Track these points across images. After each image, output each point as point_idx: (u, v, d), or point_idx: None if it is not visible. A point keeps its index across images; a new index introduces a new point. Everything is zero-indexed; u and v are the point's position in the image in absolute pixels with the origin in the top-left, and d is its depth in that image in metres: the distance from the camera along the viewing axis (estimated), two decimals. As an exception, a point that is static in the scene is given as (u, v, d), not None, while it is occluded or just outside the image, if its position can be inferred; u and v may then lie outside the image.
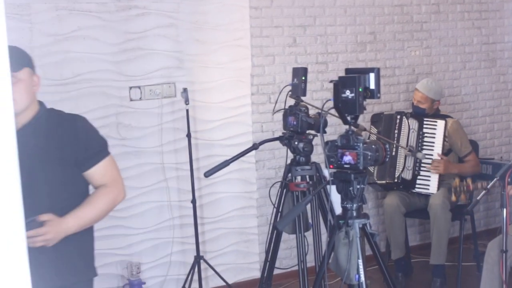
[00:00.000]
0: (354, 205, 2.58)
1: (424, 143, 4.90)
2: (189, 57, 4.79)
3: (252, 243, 5.17)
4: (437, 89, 5.02)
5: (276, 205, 3.65)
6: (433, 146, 4.88)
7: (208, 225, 4.97)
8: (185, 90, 4.51)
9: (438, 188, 4.84)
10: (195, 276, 4.62)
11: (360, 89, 2.47)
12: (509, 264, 3.86)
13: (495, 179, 3.64)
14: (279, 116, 5.08)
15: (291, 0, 5.10)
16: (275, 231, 3.64)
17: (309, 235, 3.69)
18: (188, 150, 4.55)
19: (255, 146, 3.62)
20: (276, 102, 3.87)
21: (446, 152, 4.92)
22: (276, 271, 4.20)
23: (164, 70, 4.73)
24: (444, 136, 4.87)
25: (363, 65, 5.41)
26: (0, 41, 1.14)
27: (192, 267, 4.60)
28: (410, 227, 5.52)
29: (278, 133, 5.10)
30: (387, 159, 2.59)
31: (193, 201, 4.57)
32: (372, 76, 2.51)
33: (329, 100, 2.56)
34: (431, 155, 4.85)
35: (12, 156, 1.18)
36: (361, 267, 2.52)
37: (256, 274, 5.18)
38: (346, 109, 2.50)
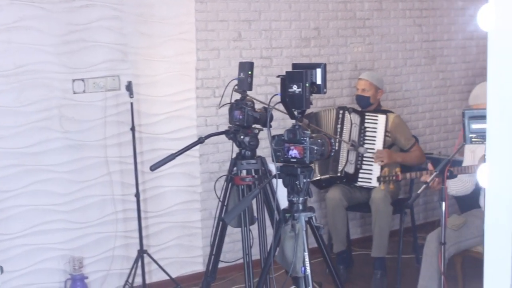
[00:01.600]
0: (300, 199, 2.62)
1: (366, 138, 4.99)
2: (134, 50, 4.75)
3: (195, 237, 5.17)
4: (380, 78, 5.17)
5: (221, 199, 3.65)
6: (374, 140, 4.98)
7: (152, 219, 4.95)
8: (129, 83, 4.48)
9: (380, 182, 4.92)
10: (139, 271, 4.60)
11: (307, 84, 2.50)
12: (447, 256, 3.97)
13: (435, 173, 3.73)
14: (224, 110, 5.09)
15: (236, -6, 5.12)
16: (221, 225, 3.65)
17: (254, 228, 3.72)
18: (132, 144, 4.52)
19: (201, 140, 3.63)
20: (222, 96, 3.88)
21: (388, 146, 5.02)
22: (220, 265, 4.24)
23: (108, 62, 4.68)
24: (386, 130, 4.97)
25: (307, 61, 5.46)
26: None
27: (136, 261, 4.58)
28: (351, 220, 5.61)
29: (223, 127, 5.11)
30: (333, 153, 2.63)
31: (137, 195, 4.54)
32: (318, 71, 2.55)
33: (276, 94, 2.59)
34: (373, 149, 4.95)
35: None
36: (307, 259, 2.56)
37: (200, 268, 5.19)
38: (293, 103, 2.53)
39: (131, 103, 4.49)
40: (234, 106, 3.57)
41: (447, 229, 3.78)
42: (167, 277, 4.77)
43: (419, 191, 3.74)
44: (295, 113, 2.57)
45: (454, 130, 6.35)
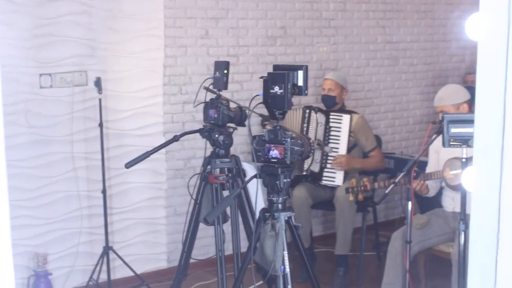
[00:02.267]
0: (280, 199, 2.66)
1: (331, 137, 5.06)
2: (102, 46, 4.72)
3: (160, 234, 5.18)
4: (345, 77, 5.26)
5: (194, 197, 3.67)
6: (339, 140, 5.05)
7: (117, 215, 4.93)
8: (98, 79, 4.46)
9: (344, 181, 5.01)
10: (103, 267, 4.58)
11: (289, 86, 2.53)
12: (411, 254, 4.06)
13: (402, 173, 3.81)
14: (190, 107, 5.13)
15: (204, -9, 5.13)
16: (192, 222, 3.66)
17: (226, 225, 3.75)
18: (99, 140, 4.50)
19: (175, 138, 3.63)
20: (196, 95, 3.89)
21: (351, 146, 5.10)
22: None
23: (76, 58, 4.64)
24: (350, 131, 5.04)
25: (273, 59, 5.50)
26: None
27: (101, 258, 4.56)
28: (313, 218, 5.68)
29: (189, 124, 5.14)
30: (311, 154, 2.68)
31: (104, 191, 4.52)
32: (300, 73, 2.59)
33: (257, 95, 2.62)
34: (337, 148, 5.02)
35: None
36: (286, 258, 2.60)
37: (164, 264, 5.21)
38: (275, 104, 2.56)
39: (100, 99, 4.47)
40: (209, 105, 3.58)
41: (410, 228, 3.87)
42: (131, 274, 4.76)
43: (387, 191, 3.82)
44: (276, 113, 2.60)
45: (415, 131, 6.48)
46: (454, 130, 2.57)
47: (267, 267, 2.61)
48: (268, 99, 2.55)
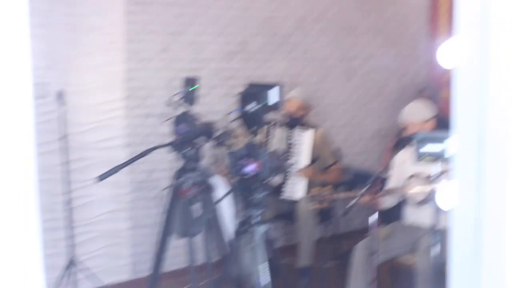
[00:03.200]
0: (258, 212, 2.70)
1: (293, 151, 5.12)
2: (63, 58, 4.71)
3: (123, 246, 5.16)
4: (309, 95, 5.32)
5: (165, 211, 3.67)
6: (300, 154, 5.10)
7: (79, 228, 4.90)
8: (60, 92, 4.43)
9: (307, 193, 5.06)
10: (68, 279, 4.55)
11: (264, 103, 2.59)
12: (375, 264, 4.14)
13: (366, 187, 3.90)
14: (151, 120, 5.15)
15: (164, 7, 5.16)
16: (160, 237, 3.67)
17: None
18: (59, 153, 4.48)
19: (146, 152, 3.63)
20: (165, 109, 3.90)
21: (313, 160, 5.16)
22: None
23: (36, 70, 4.56)
24: (312, 145, 5.10)
25: (232, 73, 5.57)
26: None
27: (66, 270, 4.53)
28: (274, 230, 5.72)
29: (151, 137, 5.15)
30: (287, 166, 2.73)
31: (69, 203, 4.50)
32: (276, 90, 2.64)
33: (231, 113, 2.66)
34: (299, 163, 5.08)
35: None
36: (265, 271, 2.63)
37: (127, 276, 5.19)
38: (249, 121, 2.61)
39: (62, 112, 4.44)
40: (179, 119, 3.60)
41: (375, 240, 3.96)
42: (94, 286, 4.74)
43: (351, 204, 3.89)
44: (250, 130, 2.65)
45: (372, 144, 6.60)
46: (425, 149, 2.66)
47: (246, 280, 2.65)
48: (245, 115, 2.59)
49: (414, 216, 4.39)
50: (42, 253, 1.39)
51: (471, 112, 1.61)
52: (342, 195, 4.60)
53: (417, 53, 6.86)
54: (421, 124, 4.28)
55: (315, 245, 5.06)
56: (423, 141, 2.64)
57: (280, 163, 2.67)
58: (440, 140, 2.62)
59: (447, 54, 1.86)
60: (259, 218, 2.71)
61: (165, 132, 5.13)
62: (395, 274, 4.76)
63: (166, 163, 5.23)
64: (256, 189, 2.63)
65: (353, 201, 3.90)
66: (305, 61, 6.06)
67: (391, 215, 5.18)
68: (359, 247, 4.28)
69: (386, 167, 4.12)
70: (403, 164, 4.47)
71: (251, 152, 2.61)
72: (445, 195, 2.09)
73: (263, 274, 2.61)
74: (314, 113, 6.04)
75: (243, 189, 2.66)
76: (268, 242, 2.77)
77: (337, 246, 5.60)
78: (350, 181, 5.56)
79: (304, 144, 5.09)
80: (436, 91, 6.22)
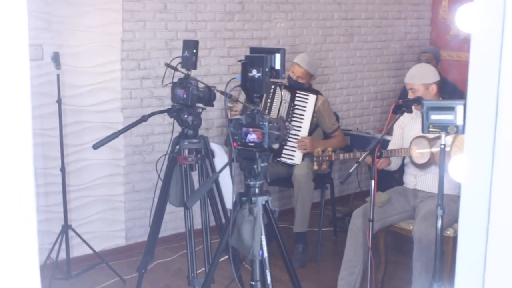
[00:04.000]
0: (258, 183, 2.65)
1: (294, 115, 5.05)
2: (58, 19, 4.59)
3: (118, 211, 5.12)
4: (317, 65, 5.25)
5: (162, 178, 3.62)
6: (302, 118, 5.04)
7: (74, 193, 4.85)
8: (56, 54, 4.33)
9: (303, 159, 5.02)
10: (62, 245, 4.51)
11: (267, 69, 2.51)
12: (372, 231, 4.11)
13: (366, 153, 3.84)
14: (148, 83, 5.06)
15: (162, -35, 5.03)
16: (158, 204, 3.62)
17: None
18: (54, 116, 4.40)
19: (144, 118, 3.57)
20: (164, 75, 3.82)
21: (313, 127, 5.10)
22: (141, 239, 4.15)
23: (31, 31, 4.45)
24: (314, 111, 5.04)
25: (230, 35, 5.46)
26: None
27: (60, 236, 4.49)
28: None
29: (147, 100, 5.07)
30: (287, 137, 2.67)
31: (62, 169, 4.43)
32: (277, 56, 2.57)
33: (235, 78, 2.59)
34: (300, 127, 5.02)
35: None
36: (264, 243, 2.60)
37: (122, 241, 5.17)
38: (252, 88, 2.54)
39: (58, 75, 4.35)
40: (177, 85, 3.52)
41: (373, 206, 3.91)
42: (90, 251, 4.71)
43: (350, 170, 3.85)
44: (254, 97, 2.58)
45: (369, 107, 6.54)
46: (434, 117, 2.60)
47: (245, 252, 2.61)
48: (247, 83, 2.52)
49: (414, 180, 4.35)
50: (36, 219, 1.35)
51: (487, 82, 1.54)
52: (342, 155, 4.56)
53: (418, 14, 6.74)
54: (424, 87, 4.22)
55: (311, 210, 5.04)
56: (431, 110, 2.58)
57: (282, 132, 2.60)
58: (448, 109, 2.55)
59: (464, 18, 1.78)
60: (259, 189, 2.66)
61: (162, 95, 5.08)
62: (393, 241, 4.77)
63: (162, 127, 5.17)
64: (257, 159, 2.58)
65: (353, 167, 3.85)
66: (305, 21, 5.95)
67: (389, 181, 5.15)
68: (356, 214, 4.25)
69: (388, 131, 4.06)
70: (405, 127, 4.41)
71: (253, 120, 2.54)
72: (456, 166, 2.04)
73: (263, 246, 2.57)
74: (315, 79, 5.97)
75: (244, 159, 2.60)
76: (269, 213, 2.73)
77: (334, 211, 5.58)
78: (347, 145, 5.52)
79: (306, 109, 5.02)
80: (438, 52, 6.13)
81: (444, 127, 2.60)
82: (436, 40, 6.75)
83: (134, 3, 4.92)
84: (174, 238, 5.31)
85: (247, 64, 2.50)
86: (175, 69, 3.73)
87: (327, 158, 4.49)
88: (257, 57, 2.53)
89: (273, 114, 5.01)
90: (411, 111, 4.13)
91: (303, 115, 5.04)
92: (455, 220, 4.13)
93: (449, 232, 4.13)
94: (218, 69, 5.43)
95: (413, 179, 4.37)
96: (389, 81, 6.64)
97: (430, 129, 2.65)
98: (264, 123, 2.54)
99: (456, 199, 4.22)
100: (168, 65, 3.81)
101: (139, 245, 5.14)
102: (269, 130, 2.54)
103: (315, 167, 4.49)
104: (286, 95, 5.04)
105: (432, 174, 4.22)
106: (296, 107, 5.04)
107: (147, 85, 5.07)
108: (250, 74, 2.51)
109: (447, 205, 4.18)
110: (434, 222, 4.01)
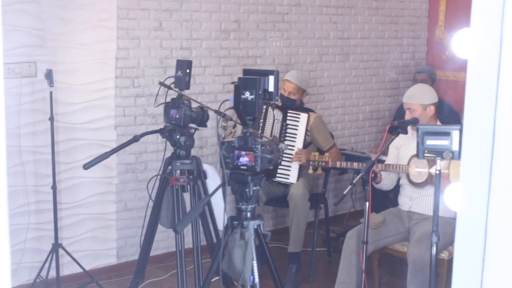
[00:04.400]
0: (250, 207, 2.61)
1: (287, 134, 5.03)
2: (52, 36, 4.56)
3: (110, 229, 5.07)
4: (307, 80, 5.24)
5: (154, 199, 3.57)
6: (295, 137, 5.02)
7: (65, 210, 4.80)
8: (49, 71, 4.30)
9: (298, 179, 4.99)
10: (52, 263, 4.45)
11: (260, 91, 2.48)
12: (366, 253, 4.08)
13: (360, 174, 3.81)
14: (142, 101, 5.04)
15: (158, -17, 5.02)
16: (148, 226, 3.58)
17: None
18: (47, 133, 4.37)
19: (136, 138, 3.53)
20: (157, 95, 3.78)
21: (306, 144, 5.08)
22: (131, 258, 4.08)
23: (25, 48, 4.47)
24: (306, 129, 5.02)
25: (226, 53, 5.44)
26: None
27: (50, 254, 4.43)
28: (264, 213, 5.65)
29: (140, 118, 5.04)
30: (280, 160, 2.63)
31: (54, 187, 4.39)
32: (271, 78, 2.54)
33: (227, 100, 2.56)
34: (293, 146, 4.99)
35: None
36: (255, 268, 2.55)
37: (113, 260, 5.11)
38: (245, 110, 2.50)
39: (51, 92, 4.32)
40: (170, 105, 3.49)
41: (367, 228, 3.88)
42: (80, 270, 4.65)
43: (345, 192, 3.81)
44: (247, 119, 2.54)
45: (364, 127, 6.52)
46: (430, 142, 2.56)
47: (236, 277, 2.56)
48: (240, 105, 2.48)
49: (409, 202, 4.32)
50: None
51: (484, 107, 1.51)
52: (338, 163, 4.52)
53: (415, 34, 6.74)
54: (422, 107, 4.19)
55: (305, 230, 5.00)
56: (427, 135, 2.54)
57: (275, 155, 2.57)
58: (444, 134, 2.52)
59: (461, 44, 1.75)
60: (250, 213, 2.62)
61: (156, 113, 5.05)
62: (387, 262, 4.72)
63: (155, 145, 5.14)
64: (249, 183, 2.54)
65: (348, 189, 3.81)
66: (301, 40, 5.93)
67: (385, 201, 5.12)
68: (349, 235, 4.22)
69: (382, 151, 4.03)
70: (401, 148, 4.38)
71: (246, 143, 2.51)
72: (451, 194, 2.01)
73: (253, 272, 2.53)
74: (309, 94, 5.95)
75: (236, 182, 2.56)
76: (261, 238, 2.68)
77: (327, 231, 5.54)
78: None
79: (298, 128, 5.00)
80: (433, 73, 6.11)
81: (439, 153, 2.57)
82: (432, 60, 6.74)
83: (129, 20, 4.89)
84: (166, 257, 5.26)
85: (240, 86, 2.47)
86: (170, 88, 3.70)
87: (324, 164, 4.46)
88: (250, 79, 2.50)
89: (266, 134, 4.99)
90: (406, 133, 4.11)
91: (295, 134, 5.02)
92: (450, 242, 4.11)
93: (444, 255, 4.09)
94: (212, 87, 5.41)
95: (408, 201, 4.34)
96: (384, 100, 6.62)
97: (426, 154, 2.61)
98: (257, 146, 2.51)
99: (451, 221, 4.19)
100: (162, 84, 3.79)
101: (131, 264, 5.08)
102: (262, 153, 2.50)
103: (310, 170, 4.47)
104: (278, 114, 5.02)
105: (428, 196, 4.19)
106: (289, 126, 5.02)
107: (141, 103, 5.04)
108: (243, 96, 2.48)
109: (442, 227, 4.15)
110: (428, 244, 3.98)
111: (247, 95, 2.48)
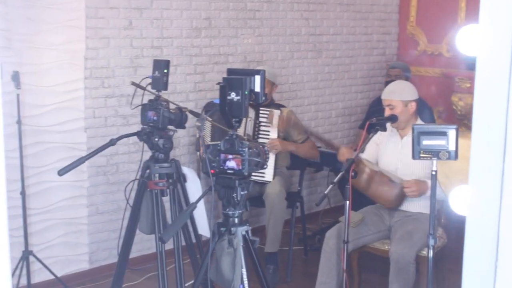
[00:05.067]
0: (237, 212, 2.51)
1: (261, 132, 4.96)
2: (19, 37, 4.41)
3: (81, 234, 4.93)
4: (275, 73, 5.17)
5: (132, 204, 3.45)
6: (268, 134, 4.95)
7: (35, 216, 4.66)
8: (16, 73, 4.14)
9: (274, 177, 4.91)
10: (23, 271, 4.32)
11: (246, 92, 2.39)
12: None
13: (341, 173, 3.75)
14: (112, 101, 4.90)
15: (126, -20, 4.89)
16: (127, 231, 3.46)
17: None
18: (14, 137, 4.22)
19: (112, 142, 3.41)
20: (133, 96, 3.66)
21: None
22: (106, 262, 3.93)
23: (-9, 49, 4.31)
24: (279, 125, 4.96)
25: (197, 51, 5.34)
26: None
27: (20, 262, 4.29)
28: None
29: (111, 119, 4.91)
30: (267, 163, 2.55)
31: (23, 193, 4.24)
32: (257, 78, 2.45)
33: (211, 101, 2.46)
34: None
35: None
36: (245, 276, 2.46)
37: (85, 265, 4.98)
38: (231, 112, 2.41)
39: (18, 94, 4.16)
40: (147, 107, 3.37)
41: (347, 227, 3.81)
42: (51, 277, 4.52)
43: (326, 191, 3.75)
44: (233, 121, 2.45)
45: (337, 123, 6.47)
46: (426, 142, 2.49)
47: (224, 286, 2.47)
48: (225, 107, 2.39)
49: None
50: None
51: (494, 106, 1.44)
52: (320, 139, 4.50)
53: (385, 29, 6.72)
54: (403, 104, 4.14)
55: (282, 230, 4.93)
56: (423, 134, 2.47)
57: (262, 158, 2.48)
58: (440, 134, 2.45)
59: (466, 41, 1.68)
60: (238, 219, 2.53)
61: (127, 113, 4.92)
62: (367, 262, 4.67)
63: (126, 147, 5.01)
64: (237, 187, 2.45)
65: (328, 188, 3.75)
66: (272, 37, 5.85)
67: (363, 199, 5.07)
68: (329, 234, 4.16)
69: (361, 150, 3.97)
70: (380, 145, 4.33)
71: (232, 146, 2.41)
72: (457, 197, 1.95)
73: (243, 280, 2.44)
74: (279, 91, 5.88)
75: (222, 187, 2.47)
76: (249, 244, 2.59)
77: (304, 230, 5.48)
78: (316, 162, 5.43)
79: (271, 124, 4.93)
80: (407, 68, 6.08)
81: (436, 153, 2.50)
82: (403, 55, 6.72)
83: (98, 20, 4.76)
84: (139, 261, 5.15)
85: (225, 87, 2.37)
86: (143, 88, 3.59)
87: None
88: (236, 79, 2.40)
89: (240, 132, 4.90)
90: (385, 130, 4.06)
91: (269, 131, 4.95)
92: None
93: (426, 252, 4.05)
94: (184, 86, 5.30)
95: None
96: (356, 96, 6.58)
97: (421, 155, 2.55)
98: (244, 149, 2.41)
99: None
100: (134, 84, 3.68)
101: (104, 269, 4.98)
102: (249, 156, 2.42)
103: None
104: (251, 112, 4.94)
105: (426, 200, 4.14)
106: (262, 123, 4.95)
107: (111, 104, 4.91)
108: (228, 98, 2.38)
109: (425, 225, 4.10)
110: (411, 243, 3.95)
111: (233, 96, 2.39)
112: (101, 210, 4.98)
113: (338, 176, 3.76)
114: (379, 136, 4.26)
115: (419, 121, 4.28)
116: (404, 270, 3.86)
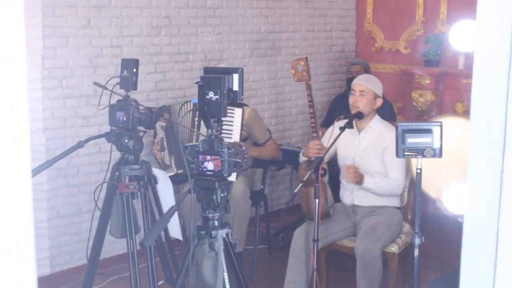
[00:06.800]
0: (217, 215, 2.46)
1: (223, 131, 4.90)
2: (-26, 36, 4.25)
3: (41, 238, 4.80)
4: None
5: (101, 208, 3.36)
6: (231, 133, 4.89)
7: (-6, 221, 4.50)
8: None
9: (237, 177, 4.86)
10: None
11: (225, 91, 2.34)
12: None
13: (310, 171, 3.73)
14: (71, 102, 4.79)
15: (84, -22, 4.78)
16: (96, 236, 3.37)
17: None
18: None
19: (80, 145, 3.30)
20: (100, 96, 3.56)
21: (243, 139, 4.96)
22: (68, 266, 3.86)
23: None
24: (242, 124, 4.90)
25: (157, 50, 5.26)
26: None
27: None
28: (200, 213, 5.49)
29: (70, 120, 4.80)
30: (245, 161, 2.50)
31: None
32: (235, 77, 2.40)
33: (189, 101, 2.40)
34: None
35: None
36: (226, 280, 2.41)
37: (46, 270, 4.86)
38: (210, 111, 2.35)
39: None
40: (116, 107, 3.28)
41: (313, 224, 3.80)
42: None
43: (296, 190, 3.73)
44: (211, 121, 2.39)
45: (297, 121, 6.46)
46: (411, 140, 2.48)
47: (205, 290, 2.41)
48: (204, 106, 2.33)
49: (351, 195, 4.26)
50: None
51: (493, 102, 1.42)
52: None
53: (344, 26, 6.73)
54: (373, 96, 4.14)
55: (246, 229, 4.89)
56: (407, 132, 2.45)
57: (241, 158, 2.43)
58: (425, 132, 2.44)
59: (460, 36, 1.66)
60: (218, 222, 2.47)
61: (86, 114, 4.81)
62: (335, 259, 4.67)
63: (87, 148, 4.89)
64: (216, 189, 2.39)
65: (298, 187, 3.72)
66: (232, 35, 5.80)
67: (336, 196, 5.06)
68: (297, 233, 4.14)
69: (328, 148, 3.96)
70: (339, 140, 4.30)
71: (211, 147, 2.36)
72: (453, 196, 1.93)
73: (226, 284, 2.39)
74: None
75: (201, 189, 2.41)
76: (228, 247, 2.54)
77: (268, 228, 5.45)
78: (279, 160, 5.40)
79: (233, 123, 4.87)
80: (367, 65, 6.09)
81: (420, 151, 2.49)
82: (361, 52, 6.75)
83: (55, 18, 4.63)
84: (102, 264, 5.04)
85: (204, 86, 2.31)
86: (107, 88, 3.50)
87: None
88: (214, 78, 2.35)
89: (202, 132, 4.84)
90: (352, 127, 4.06)
91: (231, 130, 4.89)
92: (398, 233, 4.09)
93: (394, 249, 4.07)
94: (145, 85, 5.21)
95: (349, 194, 4.29)
96: (316, 93, 6.57)
97: (406, 153, 2.53)
98: (223, 149, 2.36)
99: (396, 212, 4.17)
100: (96, 84, 3.58)
101: (65, 273, 4.87)
102: (229, 157, 2.36)
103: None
104: None
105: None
106: (224, 122, 4.88)
107: (70, 105, 4.79)
108: (207, 97, 2.32)
109: (388, 219, 4.12)
110: (375, 237, 3.96)
111: (211, 95, 2.34)
112: (61, 213, 4.86)
113: (307, 174, 3.74)
114: (336, 129, 4.20)
115: (376, 118, 4.26)
116: (370, 265, 3.86)
